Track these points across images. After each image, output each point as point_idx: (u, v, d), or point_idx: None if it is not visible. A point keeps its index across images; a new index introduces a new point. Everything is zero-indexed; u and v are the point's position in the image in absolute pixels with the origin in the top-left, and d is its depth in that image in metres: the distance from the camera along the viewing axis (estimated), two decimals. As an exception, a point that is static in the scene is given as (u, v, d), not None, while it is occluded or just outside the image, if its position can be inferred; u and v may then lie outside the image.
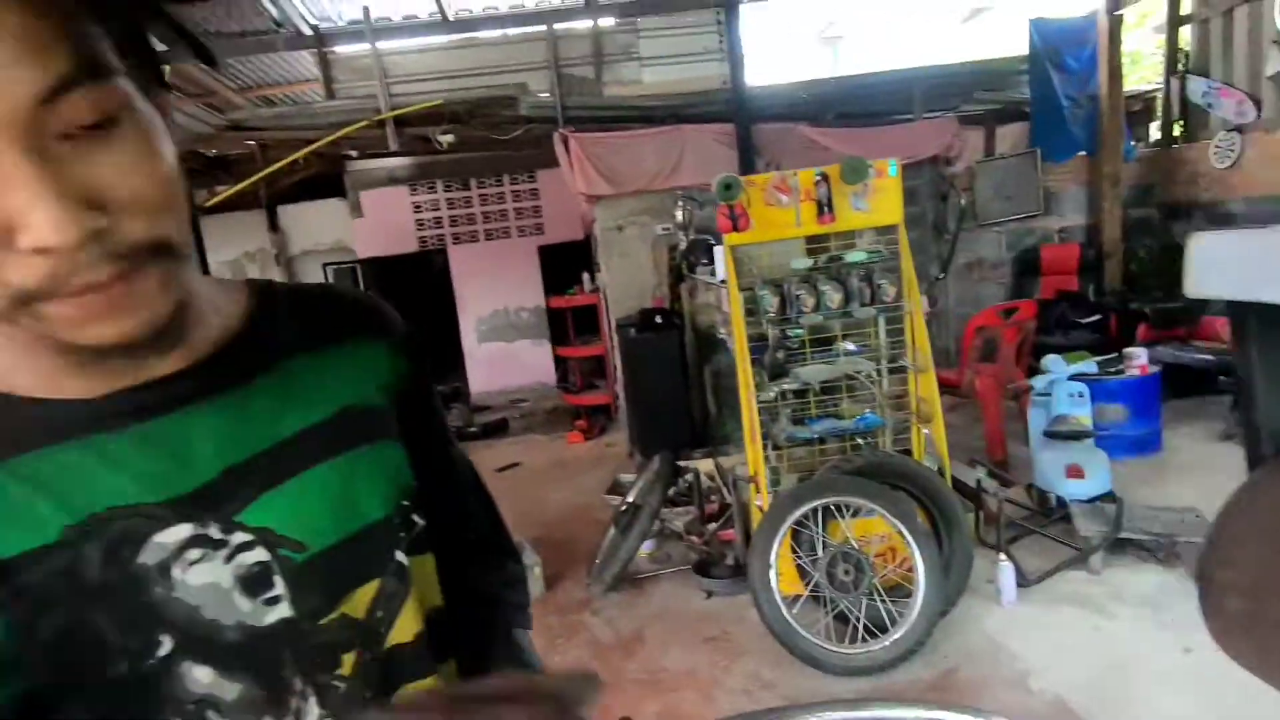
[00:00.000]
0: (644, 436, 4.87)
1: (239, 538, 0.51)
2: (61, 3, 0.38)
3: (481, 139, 6.40)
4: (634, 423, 5.13)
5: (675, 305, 5.19)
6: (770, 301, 2.93)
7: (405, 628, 0.60)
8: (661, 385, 4.80)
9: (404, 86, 5.54)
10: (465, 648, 0.68)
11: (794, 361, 3.05)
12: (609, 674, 2.70)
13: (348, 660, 0.55)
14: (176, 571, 0.49)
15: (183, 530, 0.50)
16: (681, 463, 4.10)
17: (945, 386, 4.14)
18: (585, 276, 6.38)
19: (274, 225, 8.36)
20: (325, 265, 8.81)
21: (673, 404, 4.82)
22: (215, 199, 6.87)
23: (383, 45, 5.33)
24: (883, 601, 2.54)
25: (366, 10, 5.12)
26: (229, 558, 0.51)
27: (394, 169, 8.05)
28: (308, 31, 5.22)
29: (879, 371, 3.05)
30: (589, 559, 3.49)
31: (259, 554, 0.52)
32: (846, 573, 2.56)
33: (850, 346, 3.04)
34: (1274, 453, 0.36)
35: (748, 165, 5.27)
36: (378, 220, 8.31)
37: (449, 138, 5.68)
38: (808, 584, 2.66)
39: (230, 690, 0.51)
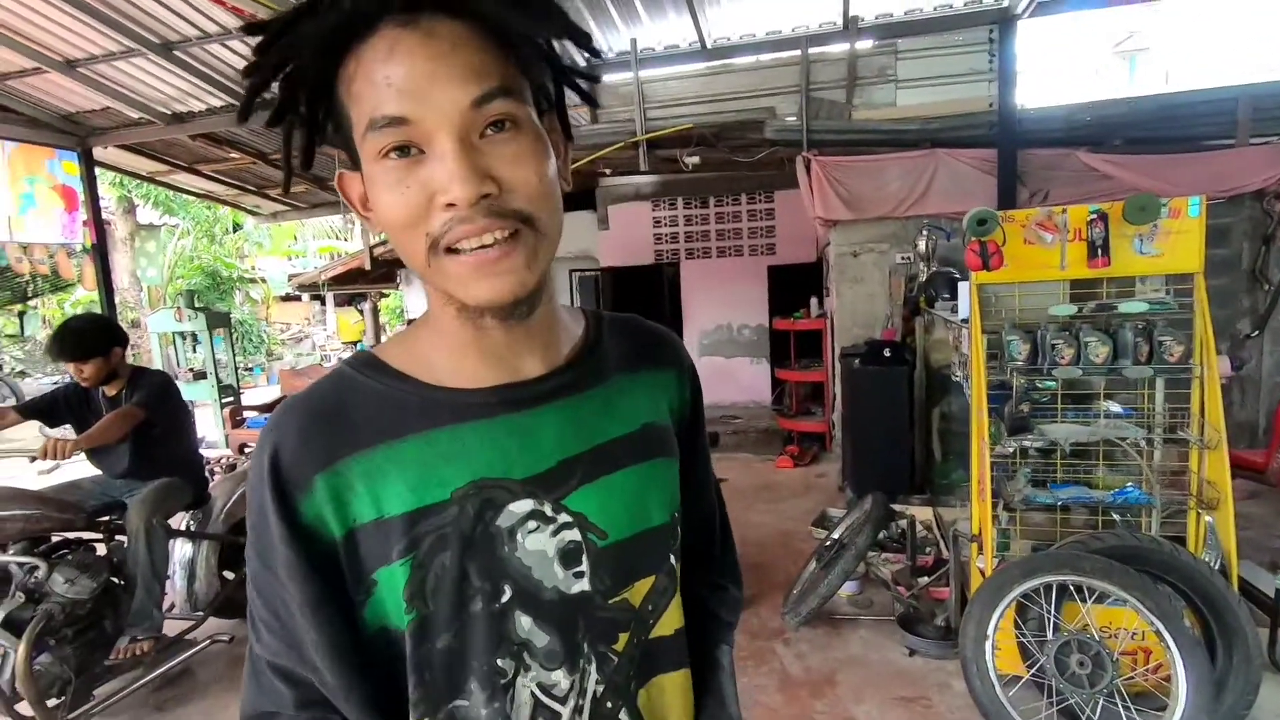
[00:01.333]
0: (858, 472, 4.68)
1: (563, 518, 0.63)
2: (495, 45, 0.54)
3: (724, 160, 6.61)
4: (848, 456, 4.94)
5: (907, 339, 4.90)
6: (1019, 348, 2.67)
7: (667, 623, 0.69)
8: (883, 421, 4.57)
9: (659, 110, 5.90)
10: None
11: (1040, 417, 2.74)
12: (796, 711, 2.65)
13: (622, 639, 0.66)
14: (519, 536, 0.62)
15: (527, 504, 0.62)
16: (896, 506, 3.88)
17: (1243, 469, 3.44)
18: (813, 301, 6.28)
19: (534, 232, 9.40)
20: (571, 271, 9.69)
21: (893, 442, 4.56)
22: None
23: (644, 73, 5.73)
24: (1125, 708, 2.18)
25: (634, 42, 5.55)
26: (554, 533, 0.63)
27: (641, 185, 8.62)
28: (581, 64, 5.79)
29: (1150, 441, 2.63)
30: (785, 587, 3.44)
31: (575, 534, 0.64)
32: (1081, 664, 2.24)
33: (1115, 408, 2.67)
34: None
35: (1008, 194, 4.82)
36: (621, 233, 8.96)
37: (694, 159, 5.94)
38: (1030, 666, 2.38)
39: (541, 639, 0.62)
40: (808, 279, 7.39)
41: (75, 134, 6.69)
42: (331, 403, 0.62)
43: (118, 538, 2.97)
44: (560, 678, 0.63)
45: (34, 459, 2.75)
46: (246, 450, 6.90)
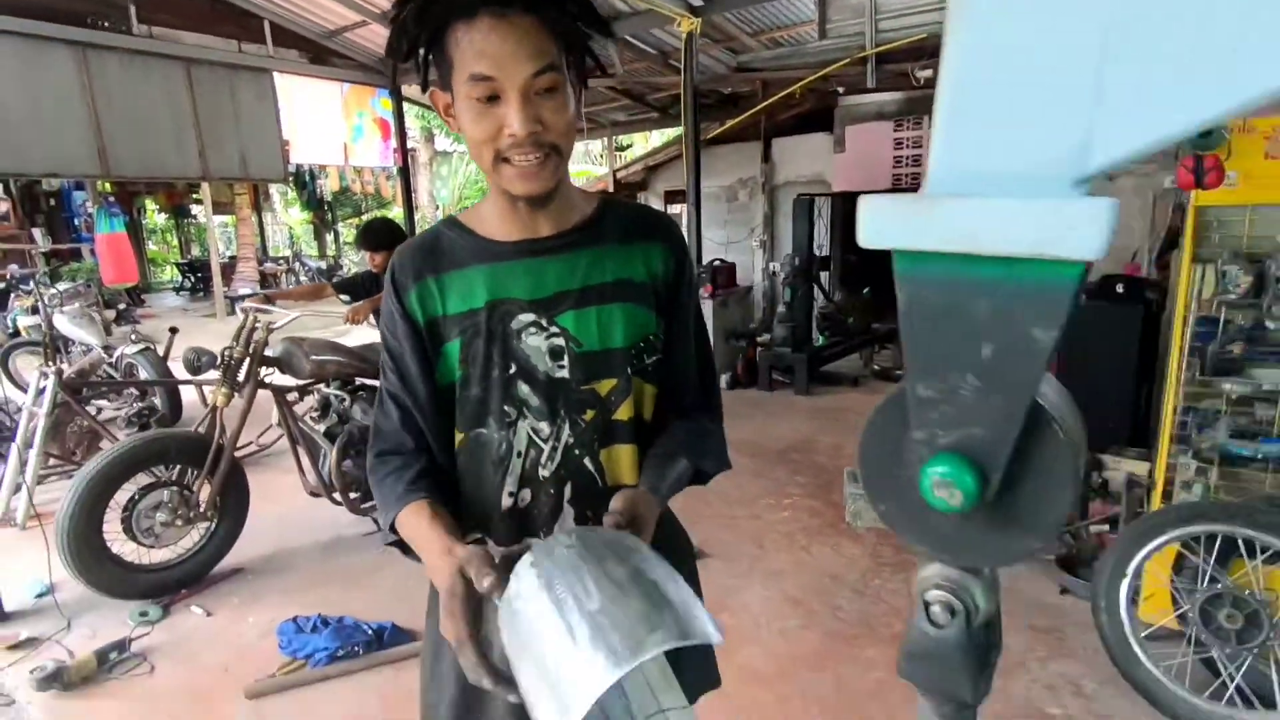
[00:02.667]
0: (1068, 417, 4.29)
1: (553, 329, 0.96)
2: (547, 34, 0.83)
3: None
4: (1063, 400, 4.52)
5: (1156, 277, 4.26)
6: (1237, 279, 2.35)
7: (623, 412, 1.00)
8: (1105, 366, 4.11)
9: (892, 22, 5.56)
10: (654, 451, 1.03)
11: (1256, 361, 2.40)
12: (917, 614, 2.77)
13: (590, 413, 0.98)
14: (524, 336, 0.96)
15: (530, 316, 0.96)
16: (1106, 457, 3.58)
17: None
18: (1054, 230, 5.60)
19: (766, 156, 9.41)
20: (799, 195, 9.57)
21: (1116, 390, 4.09)
22: (720, 130, 8.11)
23: (878, -19, 5.43)
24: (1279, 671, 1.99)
25: (870, -53, 5.26)
26: (547, 337, 0.96)
27: (883, 104, 8.12)
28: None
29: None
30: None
31: (560, 340, 0.96)
32: (1230, 618, 2.07)
33: None
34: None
35: None
36: (857, 155, 8.56)
37: (927, 73, 5.54)
38: (1179, 620, 2.23)
39: (534, 401, 0.97)
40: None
41: (390, 74, 8.16)
42: (425, 243, 1.01)
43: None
44: (545, 427, 0.97)
45: (345, 321, 3.77)
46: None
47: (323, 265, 14.73)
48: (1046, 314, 0.38)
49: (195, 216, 17.43)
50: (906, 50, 5.53)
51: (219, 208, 13.21)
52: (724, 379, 6.54)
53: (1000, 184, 0.38)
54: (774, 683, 2.41)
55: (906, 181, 8.37)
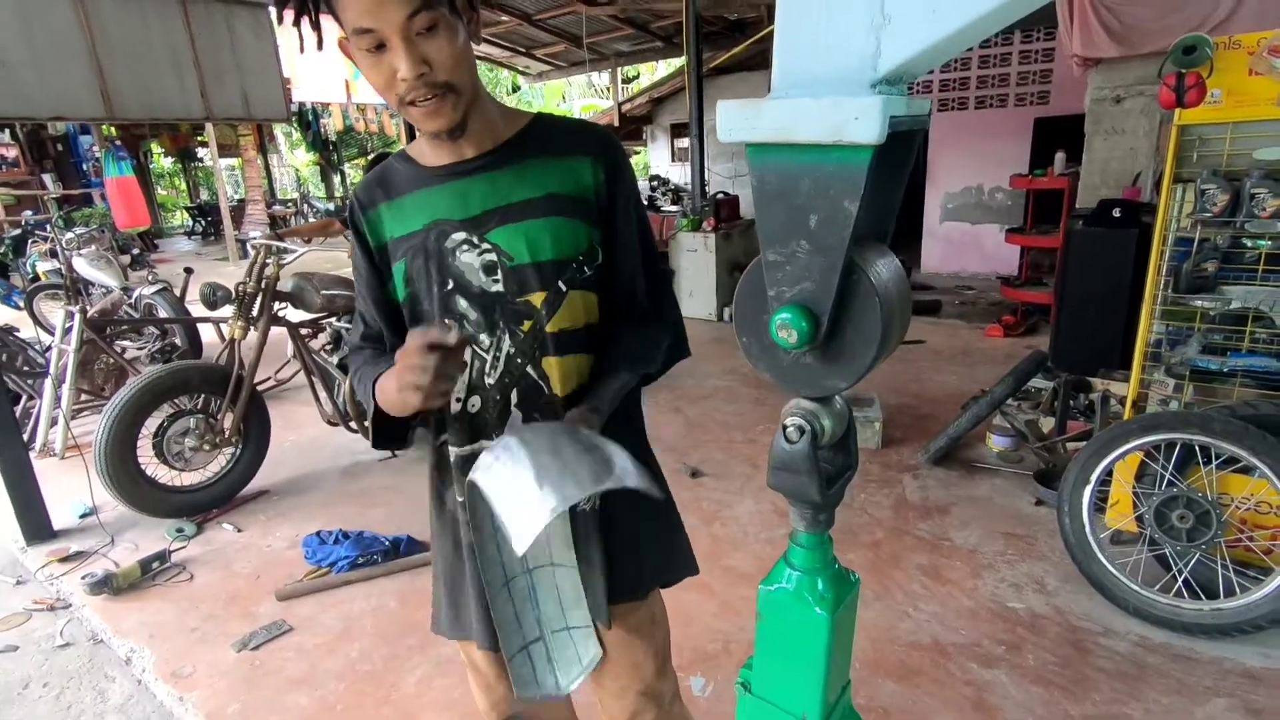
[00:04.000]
0: (1060, 343, 4.38)
1: (484, 245, 1.00)
2: None
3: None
4: (1056, 327, 4.60)
5: (1157, 200, 4.26)
6: (1215, 199, 2.40)
7: (557, 321, 1.03)
8: (1098, 289, 4.17)
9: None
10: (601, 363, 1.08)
11: (1230, 279, 2.47)
12: (897, 526, 2.95)
13: (527, 324, 1.03)
14: (458, 253, 1.00)
15: (461, 234, 1.00)
16: (1095, 380, 3.69)
17: None
18: (1059, 157, 5.56)
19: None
20: (807, 126, 9.40)
21: (1106, 313, 4.16)
22: (725, 58, 7.95)
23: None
24: (1224, 568, 2.15)
25: None
26: (480, 254, 1.00)
27: (892, 28, 7.89)
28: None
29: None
30: (929, 437, 3.59)
31: (493, 255, 1.00)
32: (1182, 518, 2.21)
33: None
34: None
35: None
36: (867, 83, 8.39)
37: (934, -7, 5.39)
38: (1139, 521, 2.38)
39: (473, 314, 1.02)
40: (1079, 133, 6.43)
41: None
42: (377, 175, 1.08)
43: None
44: (484, 339, 1.03)
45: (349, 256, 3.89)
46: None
47: (330, 207, 14.76)
48: (849, 188, 0.49)
49: (202, 160, 17.40)
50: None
51: (224, 150, 13.18)
52: (726, 312, 6.64)
53: (817, 87, 0.49)
54: (757, 582, 2.60)
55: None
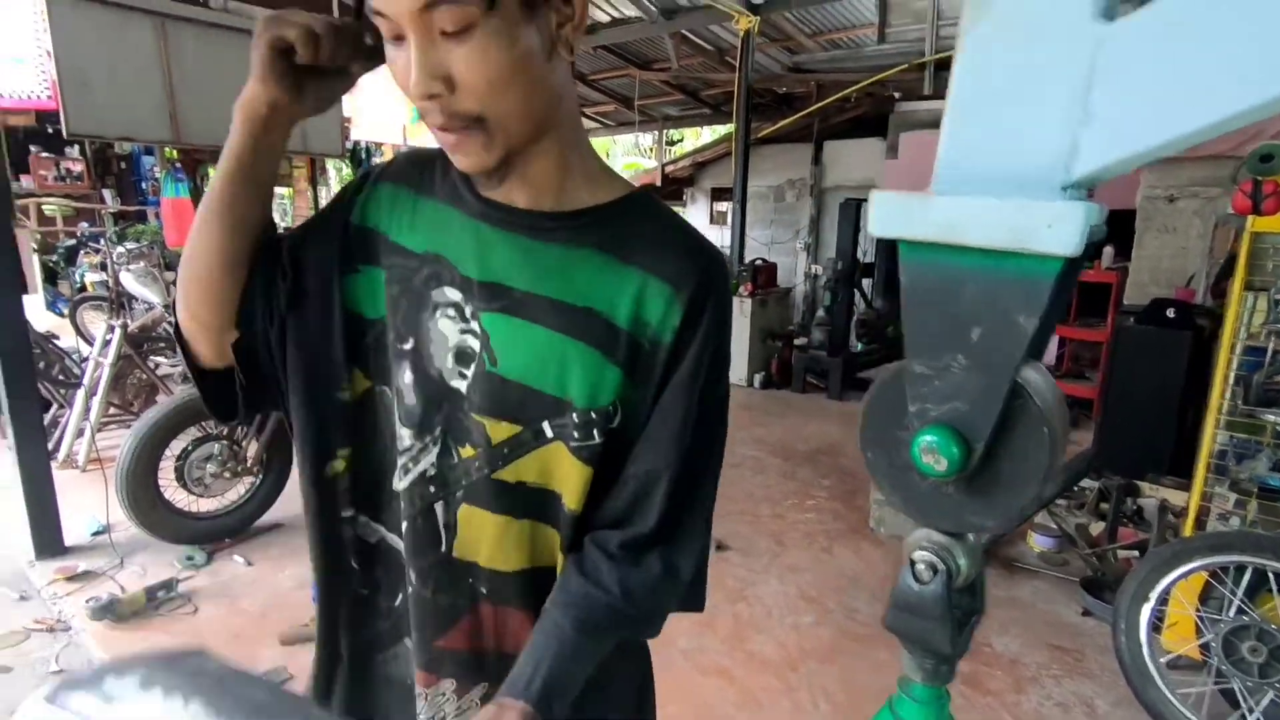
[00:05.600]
0: (1112, 444, 4.22)
1: (473, 325, 0.69)
2: None
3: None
4: (1103, 424, 4.45)
5: (1213, 304, 4.16)
6: None
7: (513, 471, 0.70)
8: (1149, 391, 4.03)
9: (954, 29, 5.49)
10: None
11: None
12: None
13: (469, 450, 0.70)
14: (438, 313, 0.70)
15: (456, 295, 0.70)
16: (1144, 484, 3.53)
17: None
18: (1107, 250, 5.49)
19: (817, 159, 9.35)
20: (846, 199, 9.50)
21: (1159, 416, 4.01)
22: (772, 129, 8.09)
23: (943, -14, 5.36)
24: (1300, 710, 1.96)
25: (936, -49, 5.20)
26: (462, 331, 0.69)
27: (939, 112, 7.96)
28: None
29: None
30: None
31: (474, 344, 0.69)
32: (1254, 651, 2.04)
33: None
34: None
35: None
36: (911, 163, 8.46)
37: (986, 82, 5.45)
38: (1203, 649, 2.20)
39: (409, 396, 0.71)
40: (1128, 228, 6.37)
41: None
42: (425, 157, 0.77)
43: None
44: (407, 436, 0.71)
45: None
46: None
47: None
48: (1028, 302, 0.42)
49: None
50: (966, 58, 5.45)
51: (278, 179, 13.64)
52: (757, 378, 6.56)
53: (994, 185, 0.43)
54: (782, 672, 2.45)
55: (958, 192, 8.26)
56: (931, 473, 0.48)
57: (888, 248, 9.21)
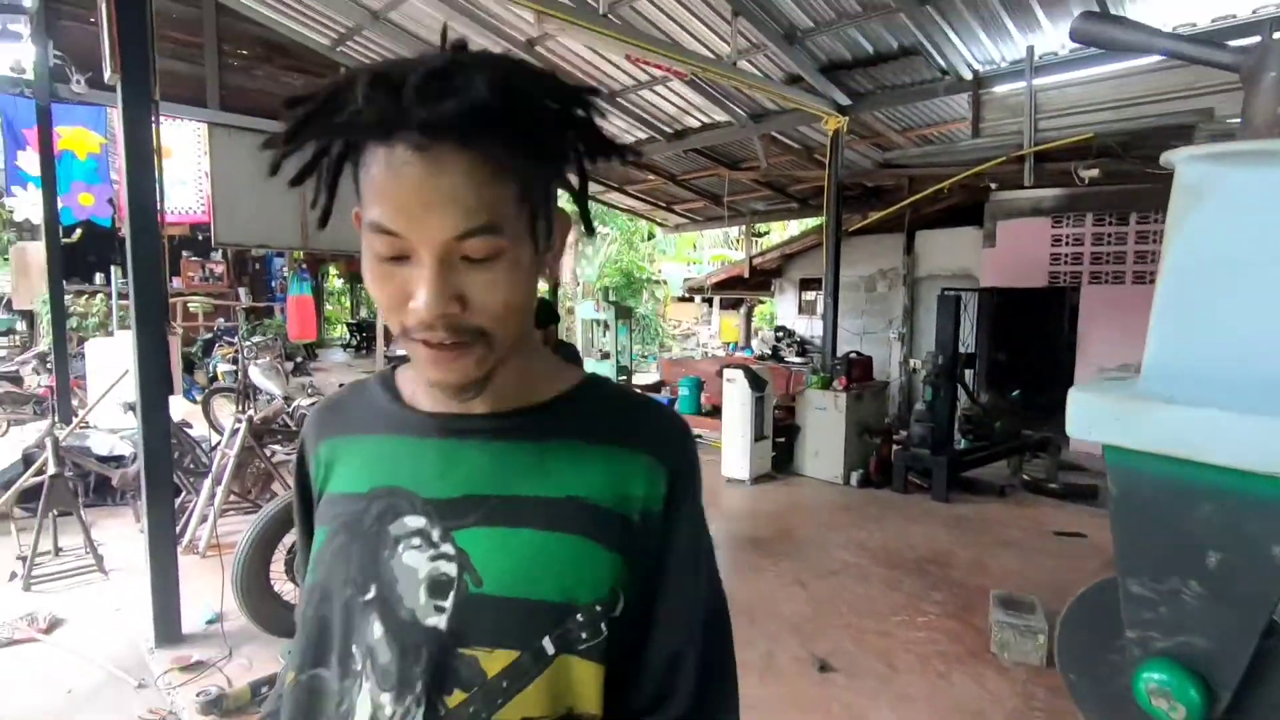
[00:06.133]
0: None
1: (446, 548, 0.63)
2: (492, 177, 0.55)
3: (1137, 172, 5.70)
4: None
5: None
6: None
7: (517, 709, 0.61)
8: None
9: (1052, 121, 5.39)
10: None
11: None
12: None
13: (458, 695, 0.61)
14: (400, 547, 0.64)
15: (419, 521, 0.64)
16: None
17: None
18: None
19: (909, 248, 9.23)
20: (943, 290, 9.25)
21: None
22: (863, 222, 8.08)
23: (1038, 81, 5.32)
24: None
25: (1030, 50, 5.19)
26: (432, 559, 0.63)
27: (1040, 200, 7.81)
28: (968, 76, 5.63)
29: None
30: (1114, 658, 3.05)
31: (450, 568, 0.63)
32: None
33: None
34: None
35: None
36: (1010, 251, 8.23)
37: (1092, 172, 5.29)
38: None
39: (384, 655, 0.62)
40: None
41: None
42: (350, 394, 0.77)
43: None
44: (387, 701, 0.62)
45: None
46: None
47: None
48: (1288, 534, 0.36)
49: (336, 287, 19.57)
50: (1069, 149, 5.32)
51: (385, 277, 14.87)
52: (854, 476, 6.28)
53: (1227, 393, 0.38)
54: (905, 829, 2.18)
55: (1065, 280, 7.91)
56: (1161, 717, 0.41)
57: (991, 337, 8.88)
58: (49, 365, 7.36)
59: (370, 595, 0.63)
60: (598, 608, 0.63)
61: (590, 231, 0.69)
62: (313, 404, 5.86)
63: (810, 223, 11.84)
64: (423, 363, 0.61)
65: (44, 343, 9.37)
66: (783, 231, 15.46)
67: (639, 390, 0.70)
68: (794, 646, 3.33)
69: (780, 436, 6.67)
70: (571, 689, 0.63)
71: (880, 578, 4.20)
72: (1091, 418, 0.34)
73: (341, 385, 0.80)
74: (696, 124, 7.67)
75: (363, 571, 0.64)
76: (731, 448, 6.36)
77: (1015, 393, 7.16)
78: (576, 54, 6.49)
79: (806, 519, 5.43)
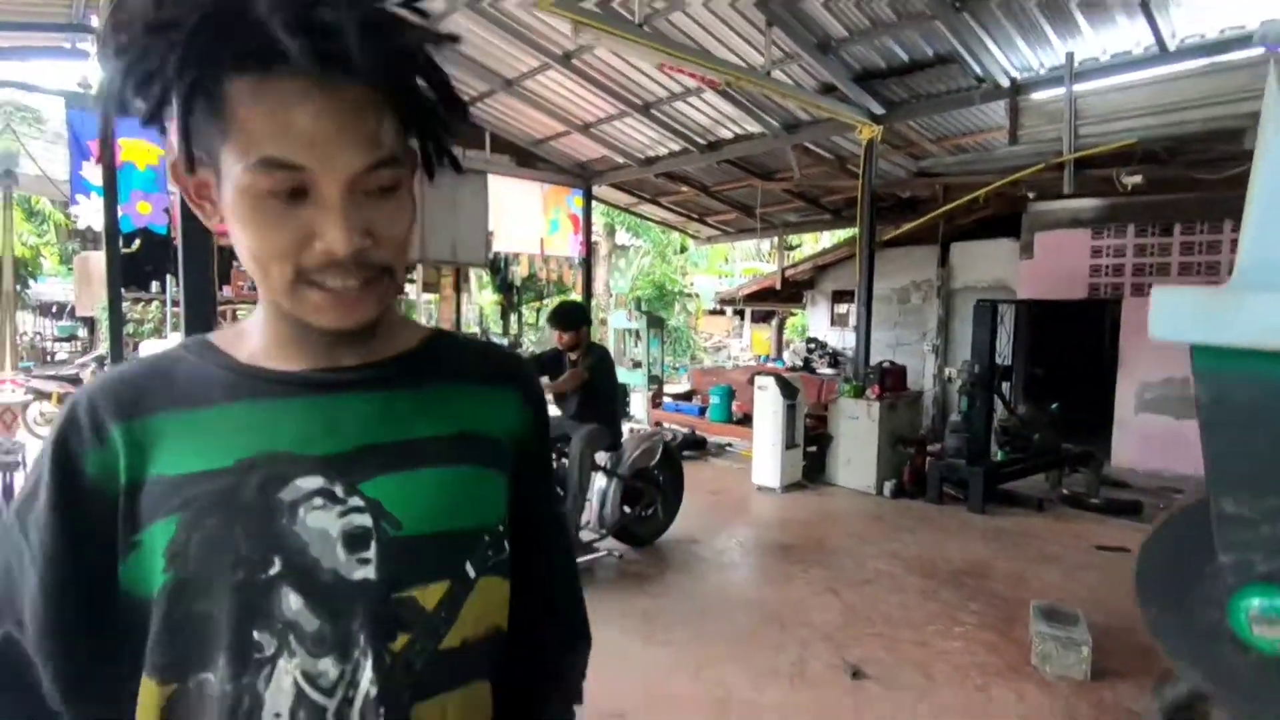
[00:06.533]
0: None
1: (354, 501, 0.61)
2: (391, 113, 0.57)
3: (1182, 179, 5.57)
4: None
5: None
6: None
7: (459, 630, 0.64)
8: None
9: (1093, 127, 5.30)
10: (511, 705, 0.72)
11: None
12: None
13: (402, 638, 0.61)
14: (301, 511, 0.60)
15: (316, 481, 0.61)
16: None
17: None
18: None
19: (944, 260, 9.11)
20: (979, 301, 9.09)
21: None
22: (896, 233, 8.01)
23: (1078, 88, 5.24)
24: None
25: (1070, 56, 5.13)
26: (342, 514, 0.60)
27: (1079, 210, 7.66)
28: (1005, 83, 5.58)
29: None
30: (1160, 674, 2.95)
31: (365, 519, 0.61)
32: None
33: None
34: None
35: None
36: (1047, 262, 8.07)
37: (1135, 179, 5.19)
38: None
39: (311, 623, 0.58)
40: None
41: (583, 176, 9.05)
42: (149, 369, 0.65)
43: (562, 459, 4.19)
44: (328, 666, 0.59)
45: (550, 393, 4.08)
46: (662, 424, 8.38)
47: (505, 341, 16.16)
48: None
49: (407, 294, 19.96)
50: (1113, 155, 5.23)
51: (427, 287, 15.06)
52: (887, 486, 6.20)
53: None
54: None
55: (1106, 292, 7.73)
56: (1268, 648, 0.41)
57: (1029, 349, 8.70)
58: (106, 367, 7.66)
59: (274, 570, 0.59)
60: (500, 528, 0.69)
61: (431, 175, 0.66)
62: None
63: (843, 234, 11.77)
64: (319, 309, 0.59)
65: (103, 347, 9.74)
66: (814, 244, 15.40)
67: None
68: (826, 654, 3.29)
69: (811, 445, 6.62)
70: (491, 607, 0.67)
71: (915, 587, 4.13)
72: (1176, 315, 0.34)
73: (108, 367, 0.69)
74: (730, 135, 7.71)
75: (256, 548, 0.59)
76: (762, 455, 6.32)
77: (1055, 405, 7.00)
78: (611, 65, 6.58)
79: (838, 527, 5.37)
